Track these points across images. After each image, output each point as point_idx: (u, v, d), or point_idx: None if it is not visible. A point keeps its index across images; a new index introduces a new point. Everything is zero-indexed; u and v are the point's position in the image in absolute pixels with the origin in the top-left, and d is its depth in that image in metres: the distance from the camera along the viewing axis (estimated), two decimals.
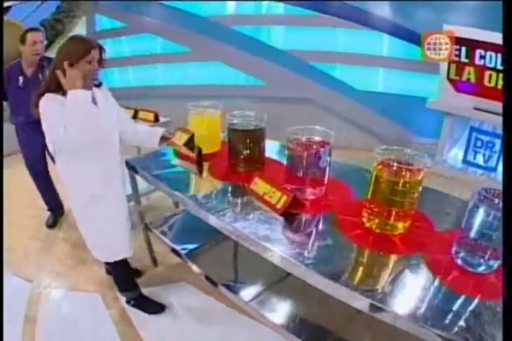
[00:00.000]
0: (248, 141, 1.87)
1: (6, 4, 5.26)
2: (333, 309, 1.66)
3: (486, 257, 1.22)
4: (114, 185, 2.08)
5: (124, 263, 2.27)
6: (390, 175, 1.40)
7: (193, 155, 2.05)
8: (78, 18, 5.75)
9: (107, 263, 2.44)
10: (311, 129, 1.66)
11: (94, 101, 1.92)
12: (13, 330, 2.28)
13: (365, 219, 1.51)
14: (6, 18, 5.51)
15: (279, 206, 1.55)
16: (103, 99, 2.01)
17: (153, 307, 2.43)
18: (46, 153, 3.20)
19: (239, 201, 1.74)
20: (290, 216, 1.56)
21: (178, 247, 2.32)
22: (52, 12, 5.69)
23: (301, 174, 1.64)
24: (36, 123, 2.88)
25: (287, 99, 5.16)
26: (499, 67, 3.69)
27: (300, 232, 1.50)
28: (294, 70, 5.16)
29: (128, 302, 2.45)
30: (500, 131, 3.82)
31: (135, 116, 3.31)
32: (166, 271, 2.75)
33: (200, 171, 2.03)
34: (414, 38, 4.47)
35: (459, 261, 1.28)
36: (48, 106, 1.82)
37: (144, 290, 2.49)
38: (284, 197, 1.55)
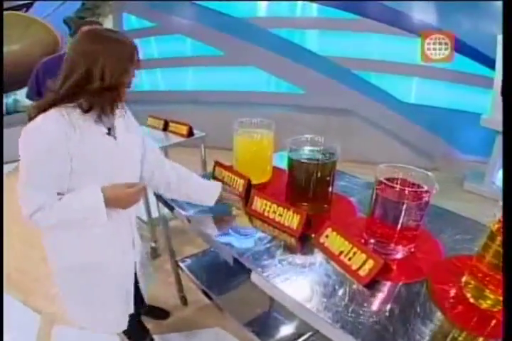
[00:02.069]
0: (316, 176, 1.46)
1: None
2: None
3: None
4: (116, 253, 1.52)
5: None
6: None
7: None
8: (104, 16, 5.41)
9: None
10: (406, 169, 1.27)
11: (112, 131, 1.38)
12: None
13: (469, 294, 1.12)
14: (29, 14, 5.32)
15: (363, 273, 1.16)
16: (123, 127, 1.42)
17: None
18: None
19: (301, 259, 1.33)
20: (373, 284, 1.18)
21: (209, 289, 1.97)
22: (77, 9, 5.34)
23: (389, 226, 1.25)
24: None
25: (327, 109, 4.75)
26: None
27: (386, 311, 1.10)
28: (335, 78, 4.76)
29: None
30: None
31: (165, 128, 2.93)
32: (198, 312, 2.36)
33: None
34: (464, 49, 4.10)
35: None
36: (35, 145, 1.21)
37: (171, 335, 2.15)
38: (371, 263, 1.16)
